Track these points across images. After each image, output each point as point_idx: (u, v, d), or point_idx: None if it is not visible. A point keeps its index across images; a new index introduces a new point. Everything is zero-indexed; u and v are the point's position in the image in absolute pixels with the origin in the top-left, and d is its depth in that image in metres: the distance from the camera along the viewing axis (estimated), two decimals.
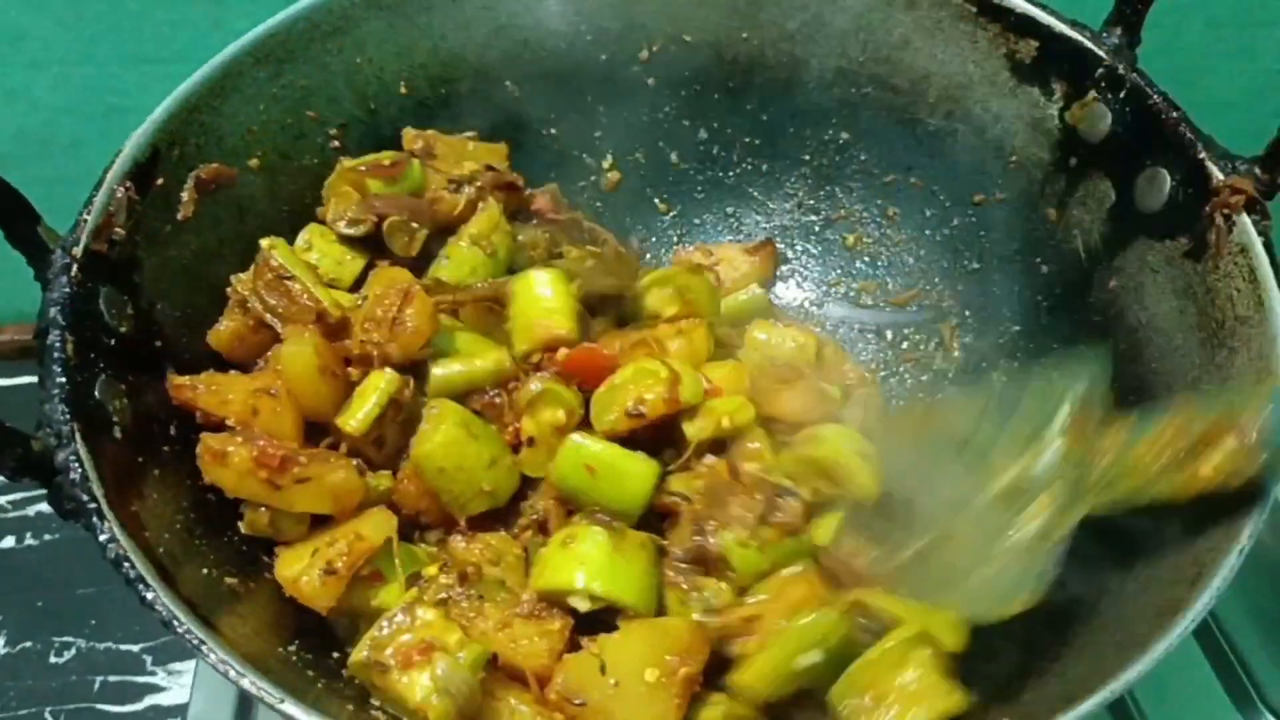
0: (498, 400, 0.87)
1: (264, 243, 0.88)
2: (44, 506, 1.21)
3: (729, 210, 1.14)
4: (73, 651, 1.12)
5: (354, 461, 0.81)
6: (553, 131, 1.09)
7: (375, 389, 0.83)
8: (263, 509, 0.79)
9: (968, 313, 1.04)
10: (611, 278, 0.95)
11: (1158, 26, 0.89)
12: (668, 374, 0.84)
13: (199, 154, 0.88)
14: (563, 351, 0.88)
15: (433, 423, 0.81)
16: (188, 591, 0.68)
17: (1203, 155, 0.81)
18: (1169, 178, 0.84)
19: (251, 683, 0.63)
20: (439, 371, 0.86)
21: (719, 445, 0.86)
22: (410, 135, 1.00)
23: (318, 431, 0.85)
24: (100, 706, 1.09)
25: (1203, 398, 0.74)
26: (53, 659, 1.12)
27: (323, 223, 0.94)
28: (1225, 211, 0.79)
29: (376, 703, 0.73)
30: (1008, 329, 1.00)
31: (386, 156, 0.97)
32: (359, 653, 0.73)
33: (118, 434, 0.74)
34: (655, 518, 0.84)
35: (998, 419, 0.78)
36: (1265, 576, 1.06)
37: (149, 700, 1.09)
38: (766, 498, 0.81)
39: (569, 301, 0.90)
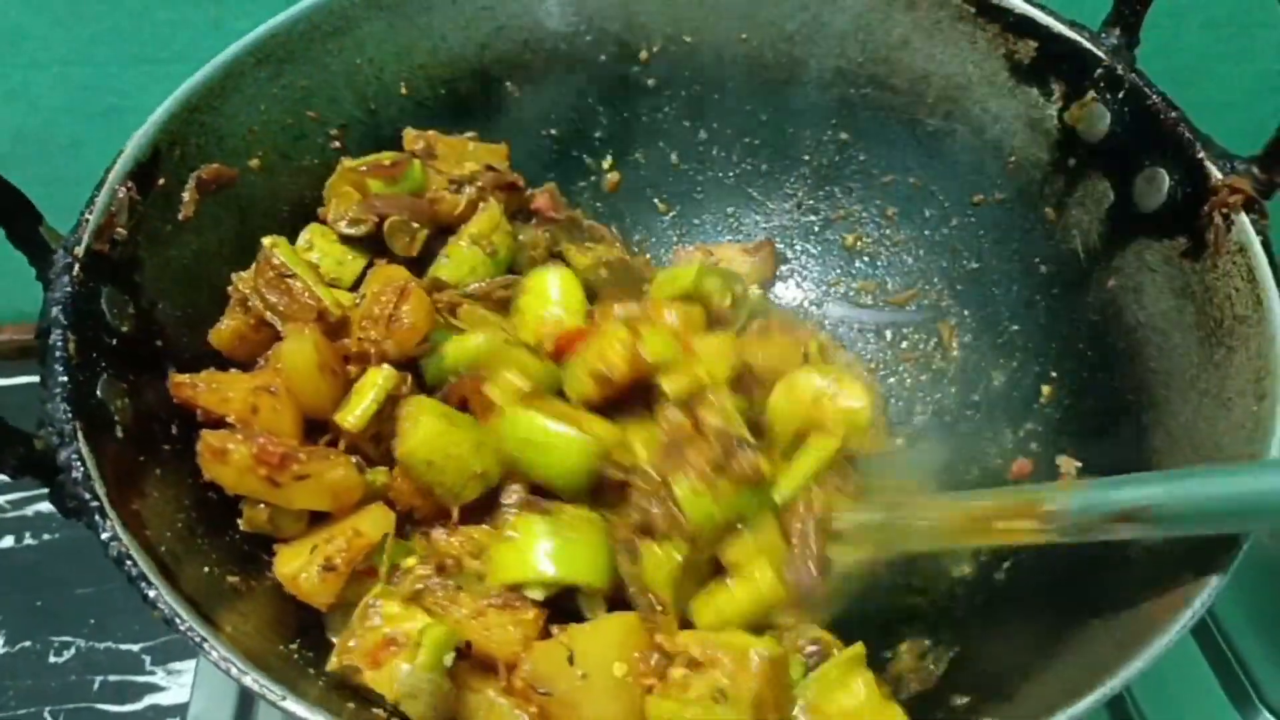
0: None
1: (266, 241, 0.88)
2: (43, 506, 1.22)
3: (729, 210, 1.14)
4: (72, 651, 1.12)
5: (353, 459, 0.81)
6: (553, 132, 1.10)
7: (373, 385, 0.83)
8: (262, 506, 0.79)
9: (966, 312, 1.04)
10: (622, 286, 0.97)
11: (1156, 28, 0.89)
12: (627, 334, 0.84)
13: (200, 154, 0.88)
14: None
15: (410, 420, 0.81)
16: (189, 590, 0.68)
17: (1201, 155, 0.81)
18: (1167, 177, 0.84)
19: (253, 680, 0.63)
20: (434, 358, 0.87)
21: None
22: (411, 135, 1.00)
23: (316, 430, 0.85)
24: (100, 706, 1.09)
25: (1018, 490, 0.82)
26: (52, 659, 1.12)
27: (324, 222, 0.95)
28: (1223, 211, 0.79)
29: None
30: (1006, 328, 1.00)
31: (387, 157, 0.97)
32: (335, 657, 0.73)
33: (119, 433, 0.74)
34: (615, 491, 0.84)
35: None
36: (1263, 575, 1.06)
37: (148, 700, 1.09)
38: (724, 447, 0.80)
39: (578, 297, 0.92)
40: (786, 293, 1.13)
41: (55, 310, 0.74)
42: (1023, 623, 0.80)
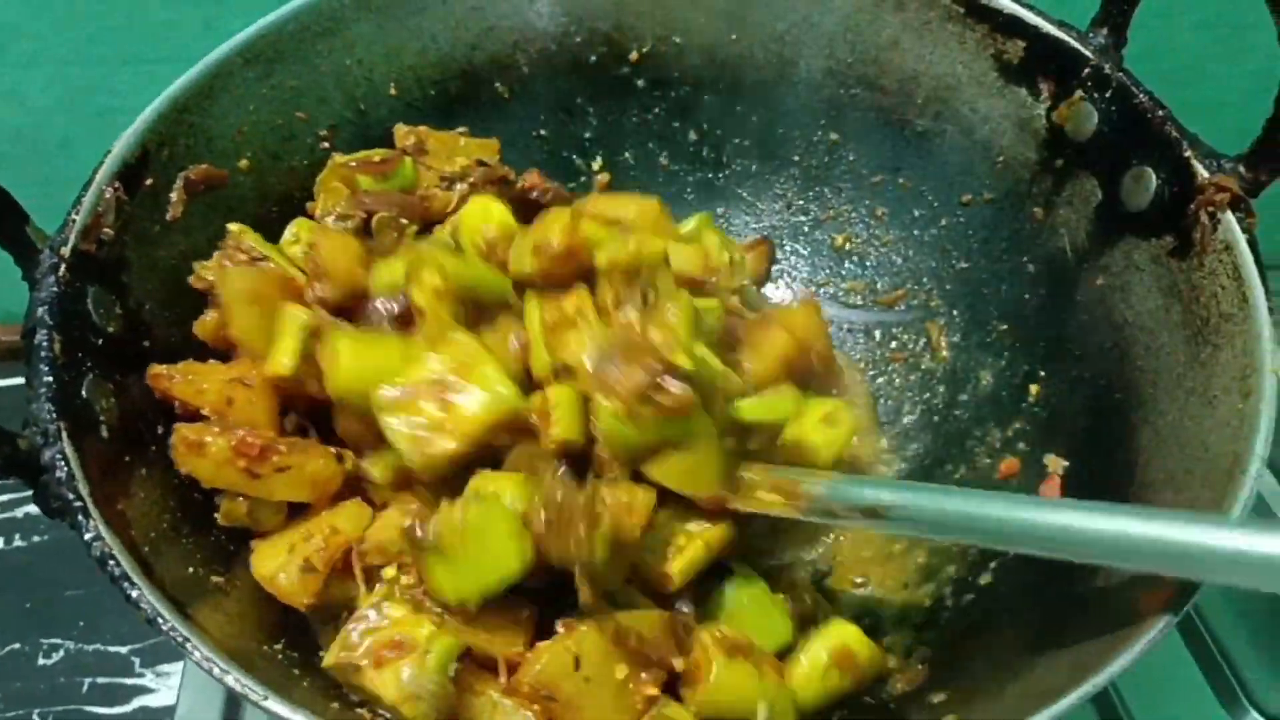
0: None
1: (233, 228, 0.88)
2: (32, 508, 1.20)
3: (719, 211, 1.14)
4: (61, 653, 1.12)
5: (331, 450, 0.81)
6: (543, 133, 1.10)
7: (288, 327, 0.82)
8: (241, 499, 0.79)
9: (955, 312, 1.04)
10: None
11: (1147, 28, 0.89)
12: (570, 217, 0.84)
13: (188, 154, 0.88)
14: None
15: (330, 354, 0.79)
16: (173, 589, 0.68)
17: (1188, 154, 0.81)
18: (1155, 176, 0.84)
19: (235, 680, 0.63)
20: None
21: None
22: (402, 131, 1.00)
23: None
24: (89, 708, 1.08)
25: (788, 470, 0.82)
26: (41, 661, 1.11)
27: (312, 218, 0.94)
28: (1210, 209, 0.79)
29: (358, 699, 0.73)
30: (995, 328, 1.00)
31: (378, 154, 0.97)
32: (333, 653, 0.73)
33: (104, 433, 0.74)
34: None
35: None
36: None
37: (137, 702, 1.09)
38: (655, 374, 0.76)
39: (511, 220, 0.92)
40: (776, 293, 1.13)
41: (41, 310, 0.74)
42: (1007, 622, 0.81)
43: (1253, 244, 0.78)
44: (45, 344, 0.73)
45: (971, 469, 0.96)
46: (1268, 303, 0.75)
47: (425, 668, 0.71)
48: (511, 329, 0.83)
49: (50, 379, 0.71)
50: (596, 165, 1.12)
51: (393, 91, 1.02)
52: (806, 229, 1.13)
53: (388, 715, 0.72)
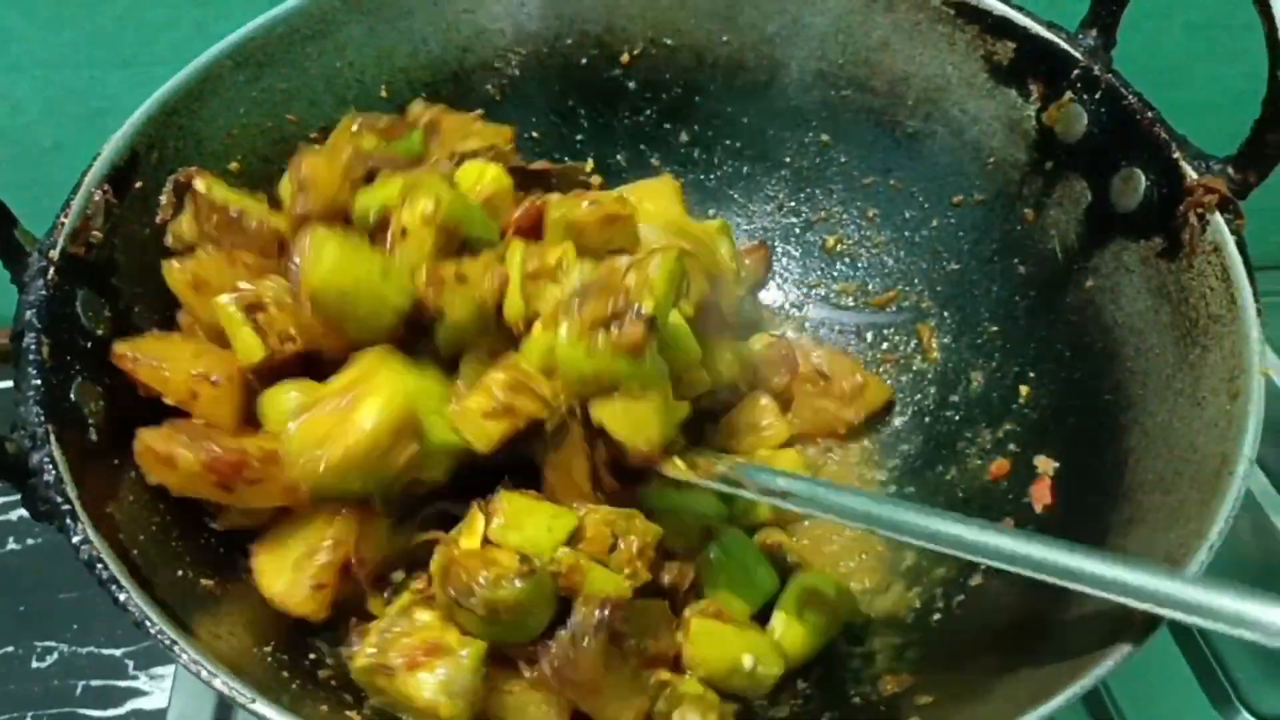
0: None
1: (199, 184, 0.85)
2: (26, 511, 1.21)
3: (710, 213, 1.14)
4: (55, 656, 1.12)
5: None
6: (534, 135, 1.10)
7: (228, 316, 0.80)
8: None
9: (946, 313, 1.04)
10: None
11: (1138, 29, 0.90)
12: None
13: (178, 157, 0.88)
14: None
15: (314, 248, 0.75)
16: (162, 593, 0.68)
17: (1177, 155, 0.82)
18: (1144, 178, 0.84)
19: (224, 683, 0.63)
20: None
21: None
22: (418, 107, 0.98)
23: None
24: (82, 711, 1.08)
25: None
26: (35, 664, 1.11)
27: None
28: (1199, 211, 0.79)
29: (351, 700, 0.74)
30: (985, 329, 1.00)
31: (385, 119, 0.94)
32: (363, 657, 0.73)
33: (93, 436, 0.74)
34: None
35: None
36: (1244, 574, 1.06)
37: (131, 705, 1.09)
38: (618, 309, 0.77)
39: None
40: (767, 295, 1.13)
41: (29, 314, 0.74)
42: (996, 624, 0.81)
43: (1241, 245, 0.78)
44: (34, 347, 0.72)
45: (962, 470, 0.96)
46: (1256, 304, 0.75)
47: (462, 668, 0.72)
48: (492, 267, 0.82)
49: (39, 382, 0.71)
50: (588, 167, 1.12)
51: (384, 94, 1.02)
52: (798, 230, 1.13)
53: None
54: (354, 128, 0.90)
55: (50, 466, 0.68)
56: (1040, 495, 0.88)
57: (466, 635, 0.75)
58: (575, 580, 0.76)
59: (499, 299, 0.81)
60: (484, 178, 0.90)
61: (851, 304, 1.11)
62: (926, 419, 1.02)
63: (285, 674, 0.72)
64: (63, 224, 0.78)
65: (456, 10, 1.03)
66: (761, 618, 0.86)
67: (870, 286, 1.10)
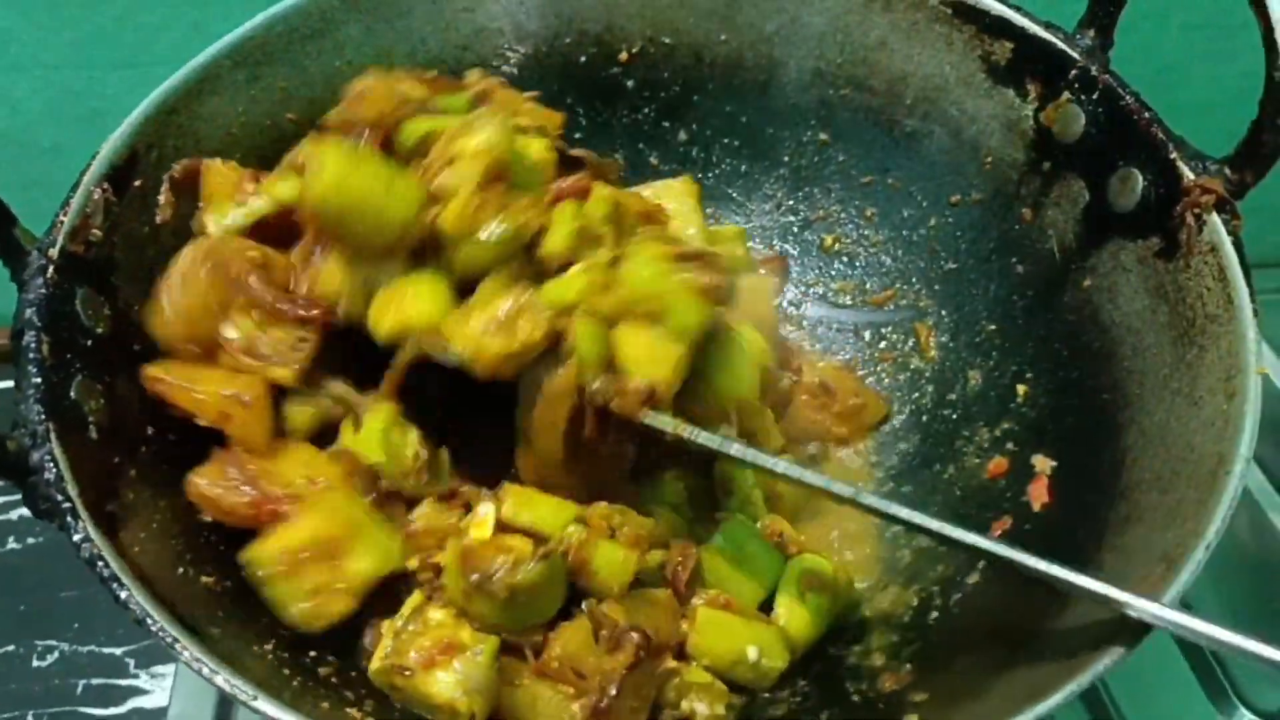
0: None
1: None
2: (26, 510, 1.21)
3: (708, 211, 1.13)
4: (55, 655, 1.12)
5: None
6: None
7: None
8: None
9: (944, 312, 1.05)
10: None
11: (1135, 30, 0.90)
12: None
13: (177, 156, 0.88)
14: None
15: (317, 160, 0.77)
16: (162, 590, 0.68)
17: (1174, 155, 0.82)
18: (1141, 178, 0.84)
19: (225, 680, 0.63)
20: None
21: None
22: (476, 75, 0.96)
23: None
24: (83, 710, 1.09)
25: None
26: (36, 663, 1.12)
27: None
28: (1195, 211, 0.80)
29: (352, 697, 0.74)
30: (983, 328, 1.00)
31: (433, 73, 0.94)
32: (379, 659, 0.75)
33: (94, 434, 0.74)
34: None
35: None
36: (1241, 572, 1.07)
37: (132, 703, 1.09)
38: (714, 261, 0.81)
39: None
40: None
41: (29, 312, 0.74)
42: (993, 622, 0.81)
43: (1238, 245, 0.78)
44: (34, 345, 0.73)
45: (960, 469, 0.96)
46: (1252, 304, 0.76)
47: (477, 664, 0.74)
48: (536, 204, 0.83)
49: (39, 380, 0.71)
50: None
51: None
52: (796, 229, 1.13)
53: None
54: (402, 73, 0.91)
55: (51, 464, 0.69)
56: (1038, 494, 0.88)
57: (479, 631, 0.76)
58: (585, 555, 0.79)
59: (535, 233, 0.82)
60: (530, 149, 0.89)
61: (849, 302, 1.11)
62: (924, 418, 1.02)
63: (286, 671, 0.73)
64: (62, 222, 0.78)
65: (455, 9, 1.03)
66: (764, 608, 0.86)
67: (868, 285, 1.10)
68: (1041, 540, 0.83)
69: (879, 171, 1.08)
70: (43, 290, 0.75)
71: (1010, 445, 0.94)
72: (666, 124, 1.11)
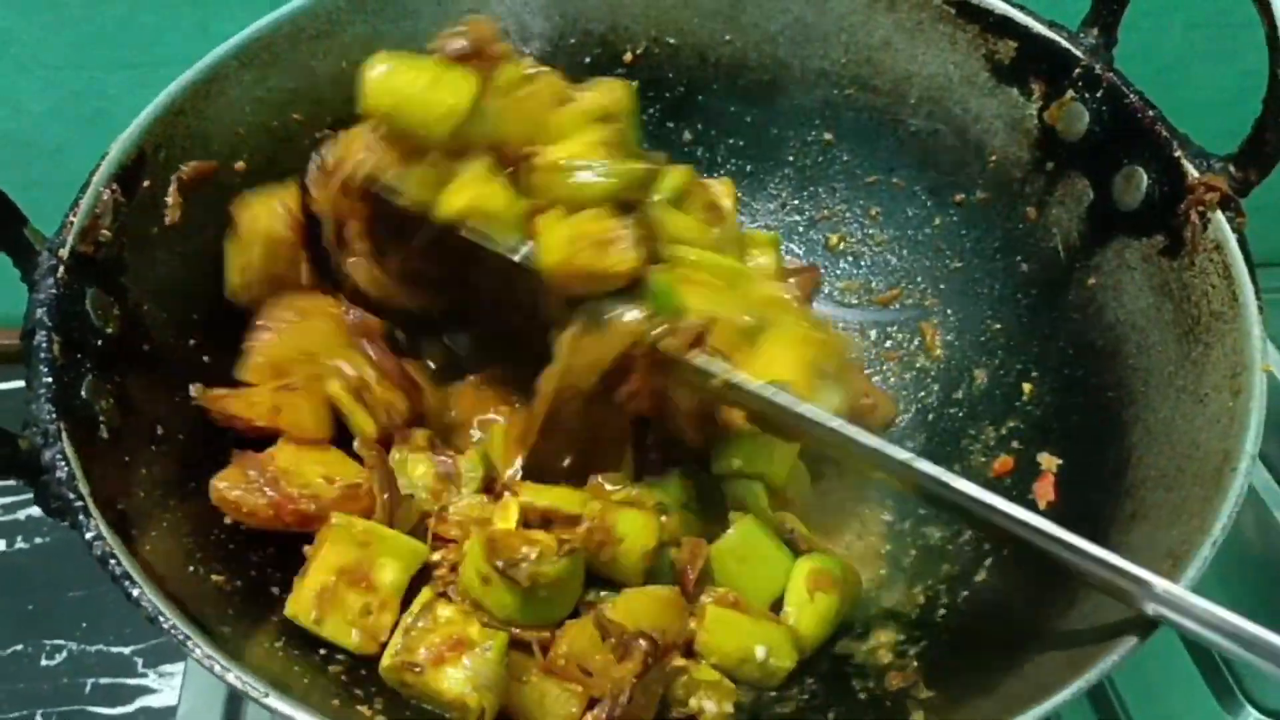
0: None
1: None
2: (34, 510, 1.22)
3: None
4: (64, 654, 1.12)
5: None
6: None
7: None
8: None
9: (949, 311, 1.05)
10: None
11: (1138, 29, 0.90)
12: None
13: (185, 157, 0.88)
14: None
15: (369, 65, 0.82)
16: (173, 589, 0.68)
17: (1178, 153, 0.82)
18: (1145, 176, 0.85)
19: (237, 677, 0.63)
20: None
21: None
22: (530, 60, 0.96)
23: None
24: (91, 709, 1.09)
25: None
26: (44, 662, 1.12)
27: None
28: (1200, 209, 0.80)
29: (362, 694, 0.74)
30: (988, 327, 1.01)
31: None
32: (390, 657, 0.75)
33: (104, 433, 0.75)
34: None
35: None
36: (1247, 569, 1.07)
37: (140, 702, 1.09)
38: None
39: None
40: None
41: (40, 312, 0.74)
42: (1000, 619, 0.81)
43: (1242, 243, 0.78)
44: (44, 345, 0.73)
45: (966, 467, 0.96)
46: (1257, 301, 0.76)
47: (486, 661, 0.75)
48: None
49: (50, 379, 0.72)
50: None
51: None
52: (801, 229, 1.13)
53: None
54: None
55: (62, 463, 0.69)
56: (1044, 492, 0.88)
57: (488, 627, 0.77)
58: (608, 524, 0.81)
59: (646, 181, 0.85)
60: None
61: (855, 302, 1.11)
62: (930, 416, 1.03)
63: (297, 668, 0.73)
64: (72, 223, 0.79)
65: (461, 10, 1.03)
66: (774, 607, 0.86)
67: (873, 284, 1.11)
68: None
69: (884, 171, 1.08)
70: (53, 290, 0.75)
71: (1016, 444, 0.94)
72: (671, 124, 1.11)
